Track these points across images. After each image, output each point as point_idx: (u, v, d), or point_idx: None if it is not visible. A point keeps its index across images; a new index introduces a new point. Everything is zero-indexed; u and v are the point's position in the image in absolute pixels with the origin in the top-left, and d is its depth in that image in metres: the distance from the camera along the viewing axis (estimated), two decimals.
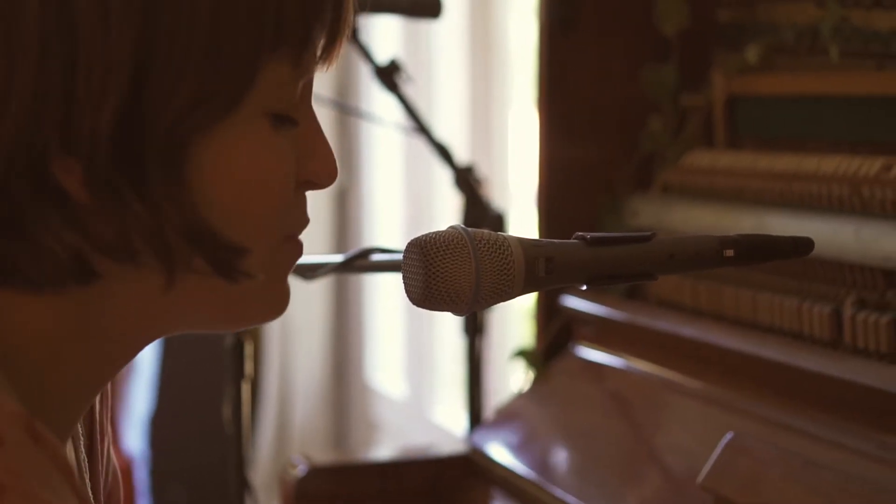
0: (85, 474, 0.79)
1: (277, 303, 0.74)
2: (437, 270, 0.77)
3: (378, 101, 3.15)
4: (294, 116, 0.71)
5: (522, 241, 0.80)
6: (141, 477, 3.28)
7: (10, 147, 0.64)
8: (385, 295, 3.45)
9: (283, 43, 0.68)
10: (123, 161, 0.65)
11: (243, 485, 1.41)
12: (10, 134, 0.64)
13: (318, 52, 0.71)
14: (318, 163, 0.73)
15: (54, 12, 0.64)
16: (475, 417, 1.68)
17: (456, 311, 0.80)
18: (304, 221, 0.74)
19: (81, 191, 0.66)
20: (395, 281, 3.46)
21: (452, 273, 0.77)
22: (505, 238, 0.80)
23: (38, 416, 0.66)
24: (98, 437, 0.82)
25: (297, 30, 0.69)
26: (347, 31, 0.72)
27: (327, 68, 0.72)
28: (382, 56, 1.68)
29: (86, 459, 0.80)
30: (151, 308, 0.71)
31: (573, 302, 1.58)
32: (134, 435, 3.36)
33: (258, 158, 0.69)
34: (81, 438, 0.79)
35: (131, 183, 0.66)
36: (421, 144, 2.11)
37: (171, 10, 0.65)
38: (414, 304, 0.79)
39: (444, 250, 0.77)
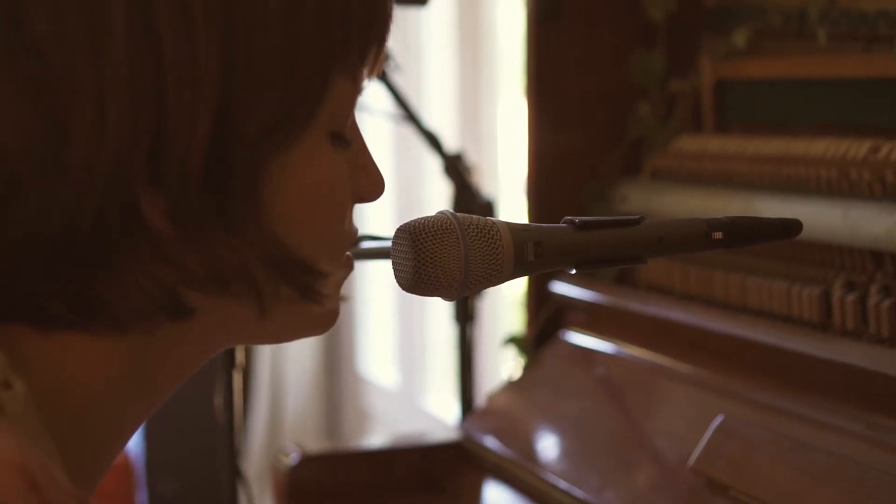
0: None
1: (333, 318, 0.74)
2: (427, 255, 0.77)
3: (367, 90, 3.14)
4: (347, 135, 0.71)
5: (511, 226, 0.80)
6: (139, 470, 3.28)
7: (105, 182, 0.62)
8: (376, 285, 3.45)
9: (347, 56, 0.68)
10: (211, 189, 0.64)
11: (235, 474, 1.42)
12: (105, 168, 0.62)
13: (372, 62, 0.71)
14: (370, 181, 0.73)
15: (141, 30, 0.62)
16: (467, 405, 1.68)
17: (446, 297, 0.80)
18: (356, 236, 0.74)
19: (167, 224, 0.64)
20: (385, 270, 3.47)
21: (442, 258, 0.77)
22: (493, 223, 0.80)
23: (75, 474, 0.64)
24: None
25: (359, 42, 0.68)
26: (386, 43, 0.71)
27: (371, 82, 0.72)
28: None
29: None
30: (235, 336, 0.71)
31: (563, 288, 1.58)
32: None
33: (326, 179, 0.69)
34: None
35: (218, 212, 0.64)
36: (410, 133, 2.11)
37: (248, 31, 0.64)
38: (404, 289, 0.79)
39: (432, 235, 0.77)
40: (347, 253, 0.73)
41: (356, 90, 0.70)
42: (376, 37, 0.70)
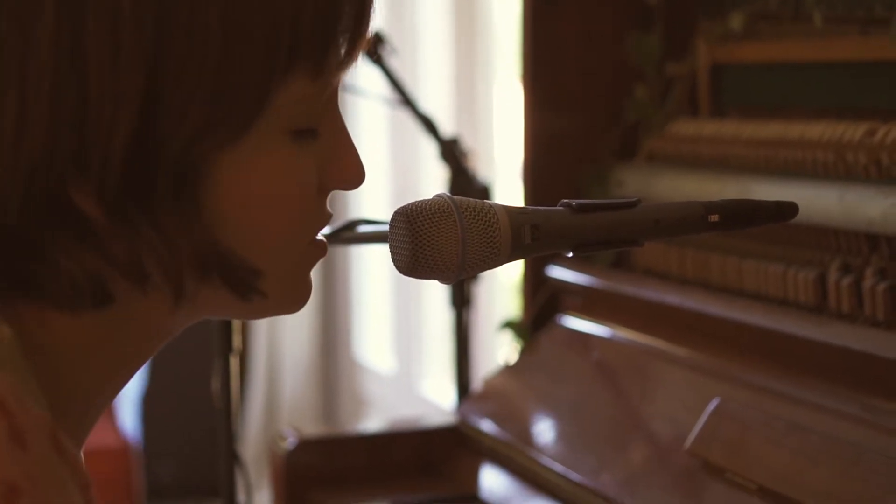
0: None
1: (300, 298, 0.75)
2: (424, 238, 0.77)
3: (363, 74, 3.14)
4: (315, 127, 0.71)
5: (508, 209, 0.80)
6: (136, 455, 3.29)
7: (28, 173, 0.66)
8: (372, 269, 3.45)
9: (297, 62, 0.68)
10: (134, 186, 0.66)
11: (233, 459, 1.42)
12: (27, 160, 0.66)
13: (340, 60, 0.70)
14: (345, 170, 0.73)
15: (66, 46, 0.65)
16: (463, 389, 1.69)
17: (443, 279, 0.80)
18: (326, 221, 0.74)
19: (98, 213, 0.67)
20: (381, 255, 3.47)
21: (439, 240, 0.77)
22: (491, 206, 0.80)
23: (62, 422, 0.67)
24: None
25: (313, 47, 0.68)
26: (367, 37, 0.71)
27: (349, 73, 0.72)
28: None
29: None
30: (166, 323, 0.72)
31: (560, 272, 1.59)
32: (127, 414, 3.36)
33: (274, 177, 0.69)
34: None
35: (141, 207, 0.66)
36: (406, 117, 2.11)
37: (182, 39, 0.65)
38: (401, 272, 0.80)
39: (430, 218, 0.77)
40: (320, 237, 0.74)
41: (321, 87, 0.70)
42: (338, 37, 0.69)
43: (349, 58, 0.71)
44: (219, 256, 0.68)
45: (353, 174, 0.74)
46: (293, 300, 0.75)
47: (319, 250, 0.75)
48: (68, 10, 0.65)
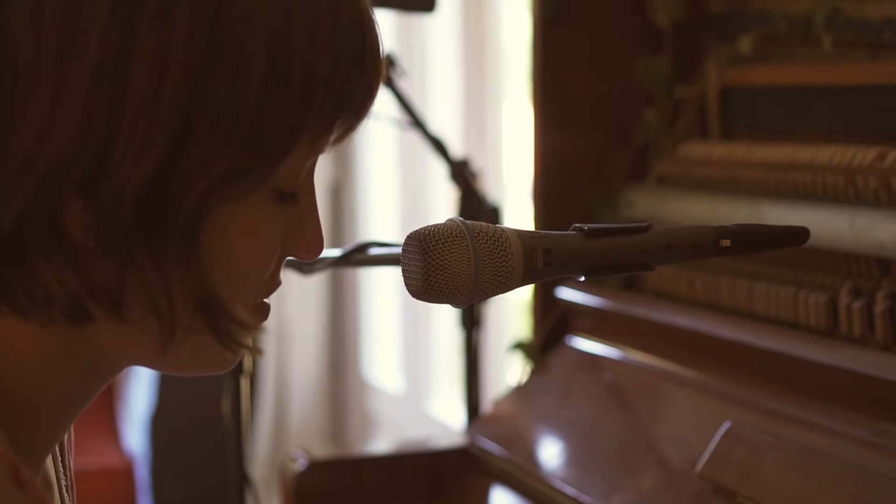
0: (64, 484, 0.80)
1: (231, 361, 0.74)
2: (437, 263, 0.78)
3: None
4: (297, 193, 0.72)
5: (520, 233, 0.81)
6: (142, 475, 3.29)
7: (37, 186, 0.64)
8: (381, 290, 3.45)
9: (317, 126, 0.69)
10: (144, 221, 0.65)
11: (243, 479, 1.42)
12: (39, 173, 0.64)
13: (342, 131, 0.71)
14: (308, 241, 0.74)
15: (111, 63, 0.64)
16: (473, 410, 1.69)
17: (455, 304, 0.80)
18: (276, 287, 0.75)
19: (88, 237, 0.65)
20: (391, 276, 3.47)
21: (451, 265, 0.78)
22: (503, 230, 0.80)
23: (22, 437, 0.66)
24: (63, 450, 0.82)
25: (333, 116, 0.69)
26: (367, 118, 0.72)
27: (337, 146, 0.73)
28: None
29: (67, 476, 0.81)
30: (134, 353, 0.72)
31: (570, 294, 1.59)
32: (135, 434, 3.36)
33: (256, 234, 0.70)
34: (57, 447, 0.80)
35: (147, 243, 0.66)
36: (415, 138, 2.12)
37: (225, 80, 0.65)
38: (414, 296, 0.80)
39: (443, 243, 0.78)
40: (265, 301, 0.74)
41: (315, 152, 0.71)
42: (352, 112, 0.70)
43: (349, 130, 0.71)
44: (213, 302, 0.68)
45: (315, 246, 0.74)
46: (231, 360, 0.74)
47: (265, 314, 0.74)
48: (120, 27, 0.63)
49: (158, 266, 0.66)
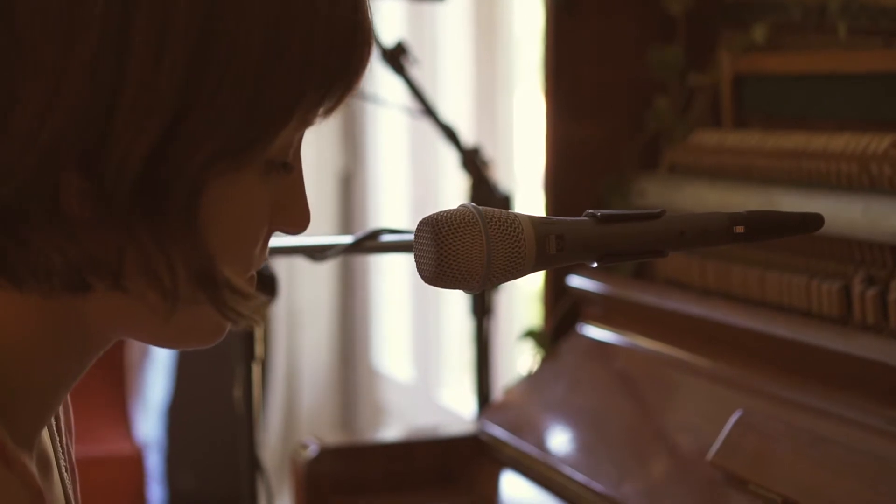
0: (63, 464, 0.80)
1: (224, 332, 0.74)
2: (449, 248, 0.77)
3: (384, 84, 3.15)
4: (290, 162, 0.72)
5: (533, 219, 0.81)
6: (154, 464, 3.30)
7: (39, 160, 0.64)
8: (392, 278, 3.45)
9: (312, 98, 0.69)
10: (144, 194, 0.65)
11: (255, 467, 1.42)
12: (42, 148, 0.64)
13: (333, 103, 0.71)
14: (295, 216, 0.74)
15: (112, 36, 0.64)
16: (483, 398, 1.69)
17: (467, 289, 0.80)
18: (263, 261, 0.75)
19: (88, 210, 0.66)
20: (401, 264, 3.47)
21: (464, 251, 0.78)
22: (516, 216, 0.80)
23: (16, 411, 0.67)
24: (62, 432, 0.82)
25: (327, 89, 0.69)
26: (357, 91, 0.72)
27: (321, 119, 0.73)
28: (388, 38, 1.68)
29: (67, 457, 0.81)
30: (131, 326, 0.72)
31: (580, 282, 1.59)
32: (149, 422, 3.37)
33: (249, 206, 0.70)
34: (55, 428, 0.80)
35: (147, 216, 0.66)
36: (427, 126, 2.11)
37: (225, 52, 0.65)
38: (426, 282, 0.80)
39: (455, 228, 0.78)
40: (251, 274, 0.74)
41: (307, 124, 0.71)
42: (345, 84, 0.70)
43: (339, 102, 0.71)
44: (214, 274, 0.68)
45: (302, 219, 0.74)
46: (220, 332, 0.74)
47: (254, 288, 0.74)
48: (120, 2, 0.64)
49: (158, 238, 0.66)
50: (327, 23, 0.68)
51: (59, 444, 0.80)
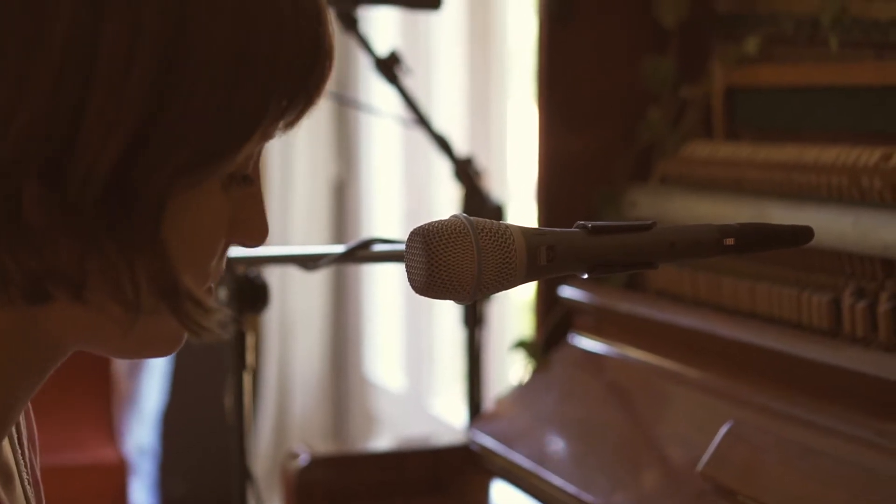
0: (26, 478, 0.79)
1: (180, 342, 0.74)
2: (440, 259, 0.78)
3: (377, 93, 3.15)
4: (250, 175, 0.72)
5: (524, 230, 0.81)
6: (146, 471, 3.29)
7: (2, 162, 0.63)
8: (384, 288, 3.45)
9: (276, 112, 0.69)
10: (109, 205, 0.65)
11: (245, 475, 1.42)
12: (5, 151, 0.63)
13: (293, 117, 0.71)
14: (254, 229, 0.74)
15: (79, 45, 0.63)
16: (475, 408, 1.69)
17: (458, 300, 0.80)
18: (220, 274, 0.74)
19: (50, 221, 0.65)
20: (393, 274, 3.46)
21: (455, 261, 0.78)
22: (507, 227, 0.80)
23: None
24: (24, 445, 0.82)
25: (291, 103, 0.69)
26: (316, 105, 0.72)
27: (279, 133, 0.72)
28: (382, 48, 1.68)
29: (30, 471, 0.80)
30: (91, 337, 0.71)
31: (572, 293, 1.59)
32: (143, 430, 3.36)
33: (210, 219, 0.70)
34: (17, 441, 0.79)
35: (111, 227, 0.65)
36: (420, 136, 2.12)
37: (193, 64, 0.65)
38: (417, 292, 0.80)
39: (446, 238, 0.78)
40: (209, 285, 0.74)
41: (268, 137, 0.71)
42: (307, 97, 0.70)
43: (300, 115, 0.71)
44: (176, 286, 0.67)
45: (259, 234, 0.74)
46: (176, 342, 0.73)
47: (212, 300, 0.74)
48: (89, 9, 0.63)
49: (123, 249, 0.66)
50: (293, 35, 0.68)
51: (21, 458, 0.79)
